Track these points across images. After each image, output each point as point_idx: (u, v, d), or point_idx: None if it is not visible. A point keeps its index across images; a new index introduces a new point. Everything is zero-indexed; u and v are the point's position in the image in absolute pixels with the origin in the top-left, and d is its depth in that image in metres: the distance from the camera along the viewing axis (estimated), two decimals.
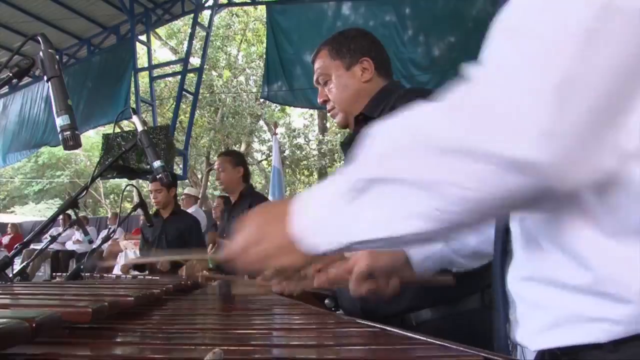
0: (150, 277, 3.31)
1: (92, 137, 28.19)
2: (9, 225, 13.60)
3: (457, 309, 1.53)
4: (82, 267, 3.15)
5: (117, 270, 7.65)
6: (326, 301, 1.84)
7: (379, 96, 1.69)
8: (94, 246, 7.11)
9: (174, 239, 4.00)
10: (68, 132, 1.28)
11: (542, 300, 0.71)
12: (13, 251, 1.92)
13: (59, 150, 27.94)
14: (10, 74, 1.29)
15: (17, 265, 11.00)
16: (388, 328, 0.85)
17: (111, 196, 29.29)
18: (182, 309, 1.27)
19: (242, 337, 0.84)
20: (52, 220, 1.91)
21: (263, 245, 0.78)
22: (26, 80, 14.42)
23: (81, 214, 12.26)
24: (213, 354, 0.36)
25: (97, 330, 0.76)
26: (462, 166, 0.56)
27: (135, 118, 1.98)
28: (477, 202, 0.57)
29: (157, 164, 1.90)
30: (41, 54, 1.32)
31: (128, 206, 23.32)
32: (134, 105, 14.32)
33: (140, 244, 4.60)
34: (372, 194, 0.65)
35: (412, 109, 0.64)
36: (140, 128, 1.93)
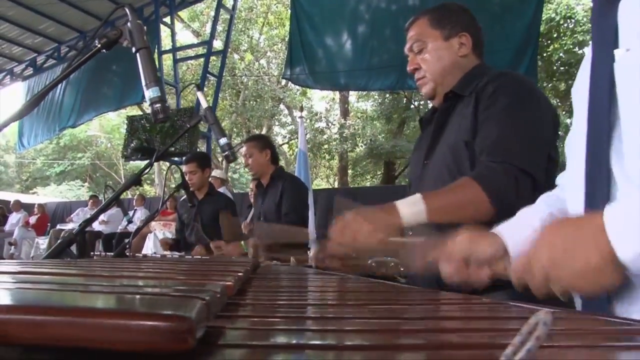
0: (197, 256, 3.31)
1: (113, 120, 28.46)
2: (36, 206, 13.74)
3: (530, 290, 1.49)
4: (128, 246, 3.16)
5: (145, 251, 7.72)
6: (372, 263, 1.82)
7: (471, 74, 1.66)
8: (131, 226, 7.14)
9: (209, 220, 4.00)
10: (158, 105, 1.25)
11: None
12: (77, 228, 1.91)
13: (80, 132, 28.24)
14: (99, 45, 1.26)
15: (43, 245, 11.16)
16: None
17: None
18: (280, 285, 1.25)
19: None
20: (117, 197, 1.90)
21: (571, 265, 0.75)
22: (50, 62, 14.56)
23: (101, 196, 12.38)
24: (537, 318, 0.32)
25: (232, 306, 0.73)
26: None
27: (199, 94, 1.96)
28: None
29: (223, 140, 1.88)
30: (129, 24, 1.28)
31: (147, 188, 23.51)
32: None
33: (177, 224, 4.60)
34: None
35: None
36: (204, 105, 1.90)
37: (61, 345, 0.35)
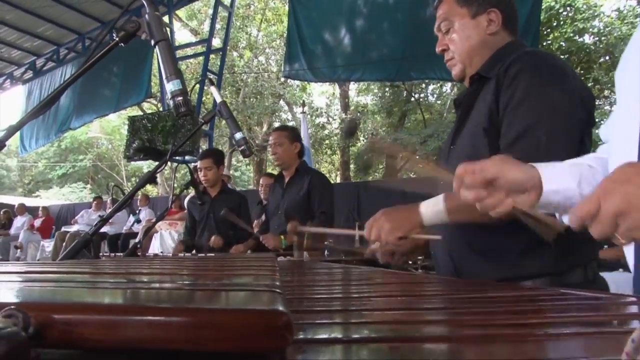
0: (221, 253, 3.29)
1: (113, 121, 28.43)
2: (40, 209, 13.73)
3: (559, 282, 1.45)
4: (139, 245, 3.14)
5: (152, 250, 7.71)
6: (419, 259, 1.85)
7: (498, 54, 1.57)
8: (136, 226, 7.08)
9: (223, 217, 3.96)
10: (180, 98, 1.21)
11: None
12: (93, 228, 1.87)
13: (81, 135, 28.26)
14: (117, 38, 1.22)
15: (49, 247, 11.15)
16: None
17: (133, 179, 29.52)
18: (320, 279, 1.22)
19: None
20: (132, 195, 1.87)
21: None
22: (50, 64, 14.52)
23: (104, 197, 12.37)
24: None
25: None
26: None
27: (213, 89, 1.93)
28: None
29: (238, 135, 1.85)
30: (147, 16, 1.24)
31: (150, 188, 23.48)
32: (155, 88, 14.37)
33: (189, 222, 4.54)
34: None
35: None
36: (219, 99, 1.87)
37: (138, 347, 0.32)
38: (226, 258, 1.63)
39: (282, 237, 3.46)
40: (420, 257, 2.35)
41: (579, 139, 1.39)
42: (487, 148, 1.45)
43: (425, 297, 0.90)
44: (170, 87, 1.21)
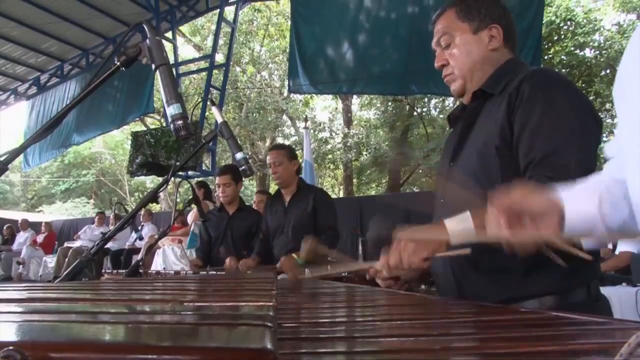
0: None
1: (116, 136, 28.54)
2: (43, 224, 13.75)
3: (563, 301, 1.44)
4: (141, 262, 3.14)
5: (155, 266, 7.69)
6: (422, 286, 1.80)
7: (501, 71, 1.56)
8: (139, 242, 7.06)
9: (241, 234, 3.93)
10: (180, 122, 1.23)
11: None
12: (95, 248, 1.89)
13: (85, 150, 28.36)
14: (118, 63, 1.25)
15: (51, 263, 11.14)
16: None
17: (136, 194, 29.58)
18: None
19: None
20: (135, 214, 1.88)
21: None
22: (54, 80, 14.63)
23: (107, 212, 12.38)
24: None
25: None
26: None
27: (215, 110, 1.94)
28: None
29: (239, 155, 1.86)
30: (148, 41, 1.26)
31: (153, 204, 23.43)
32: (159, 103, 14.45)
33: (204, 237, 4.44)
34: None
35: None
36: (220, 120, 1.89)
37: None
38: (226, 280, 1.63)
39: (294, 256, 3.43)
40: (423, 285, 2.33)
41: (595, 154, 1.38)
42: (498, 168, 1.43)
43: (428, 320, 0.91)
44: (171, 111, 1.22)
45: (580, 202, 1.08)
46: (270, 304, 0.69)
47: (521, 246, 1.08)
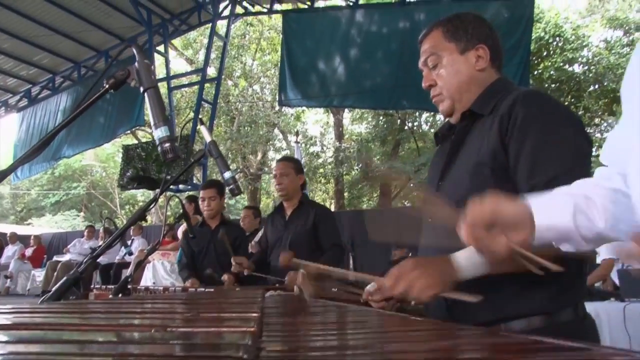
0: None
1: (107, 149, 28.44)
2: (32, 238, 13.65)
3: (550, 321, 1.45)
4: (129, 279, 3.13)
5: (144, 281, 7.64)
6: (412, 302, 1.79)
7: (490, 91, 1.55)
8: (128, 257, 6.98)
9: (224, 249, 3.93)
10: (167, 144, 1.25)
11: None
12: (84, 264, 1.88)
13: (75, 162, 28.20)
14: (106, 86, 1.26)
15: (40, 277, 11.04)
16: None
17: (126, 207, 29.43)
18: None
19: None
20: (123, 232, 1.89)
21: None
22: (45, 93, 14.61)
23: (97, 225, 12.31)
24: None
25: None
26: None
27: (203, 129, 1.96)
28: None
29: (227, 174, 1.87)
30: (136, 64, 1.29)
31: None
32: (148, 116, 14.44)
33: (186, 252, 4.41)
34: None
35: None
36: (208, 139, 1.91)
37: None
38: (212, 298, 1.64)
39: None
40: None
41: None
42: (493, 188, 1.41)
43: (419, 344, 0.90)
44: (158, 133, 1.24)
45: (552, 212, 1.09)
46: (251, 329, 0.70)
47: (492, 255, 1.11)
